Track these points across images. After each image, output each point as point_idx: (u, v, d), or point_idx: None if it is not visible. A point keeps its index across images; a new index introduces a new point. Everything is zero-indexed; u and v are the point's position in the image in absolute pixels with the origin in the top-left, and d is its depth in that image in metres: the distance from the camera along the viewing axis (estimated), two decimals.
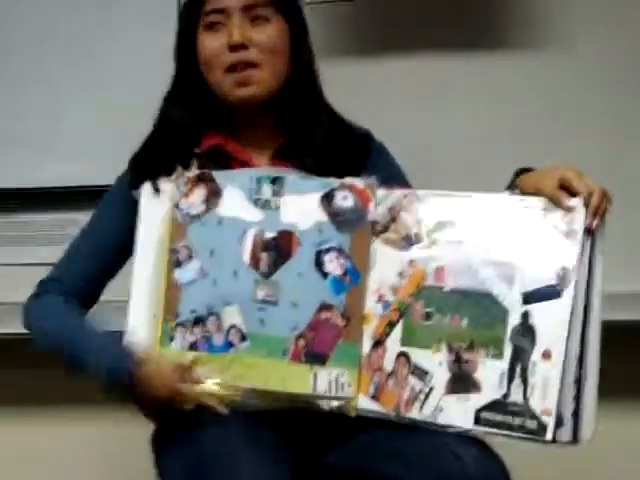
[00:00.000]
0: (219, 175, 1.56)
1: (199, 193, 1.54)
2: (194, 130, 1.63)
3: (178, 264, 1.53)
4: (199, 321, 1.51)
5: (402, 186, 1.60)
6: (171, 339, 1.51)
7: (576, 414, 1.41)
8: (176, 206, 1.54)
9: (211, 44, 1.58)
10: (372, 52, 1.95)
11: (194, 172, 1.56)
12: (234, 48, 1.56)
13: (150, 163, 1.60)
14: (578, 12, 1.93)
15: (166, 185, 1.56)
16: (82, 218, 1.70)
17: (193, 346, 1.51)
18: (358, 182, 1.56)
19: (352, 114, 1.67)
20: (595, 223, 1.42)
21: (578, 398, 1.41)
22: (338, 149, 1.63)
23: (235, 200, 1.54)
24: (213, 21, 1.58)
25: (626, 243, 1.94)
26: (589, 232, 1.42)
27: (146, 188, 1.56)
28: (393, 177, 1.65)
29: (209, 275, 1.52)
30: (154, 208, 1.56)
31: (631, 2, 1.92)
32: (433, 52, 1.95)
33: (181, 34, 1.64)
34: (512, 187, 1.52)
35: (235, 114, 1.63)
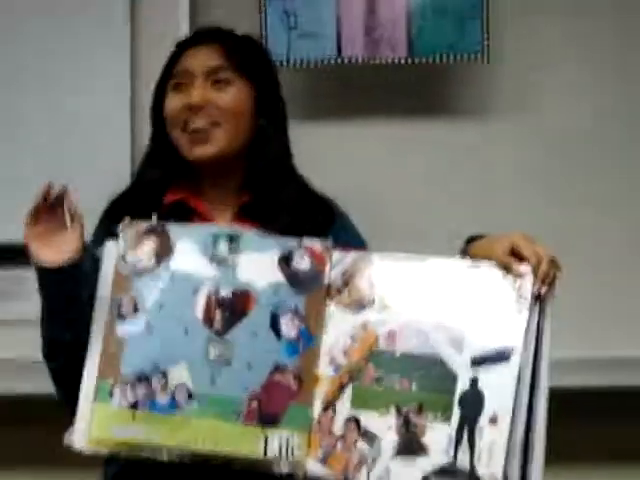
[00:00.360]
0: (173, 228, 1.54)
1: (149, 246, 1.52)
2: (160, 186, 1.66)
3: (121, 318, 1.50)
4: (143, 379, 1.47)
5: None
6: (110, 395, 1.47)
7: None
8: (122, 258, 1.52)
9: (173, 103, 1.64)
10: (331, 117, 1.98)
11: (144, 224, 1.54)
12: (192, 109, 1.61)
13: (115, 217, 1.60)
14: (534, 81, 1.98)
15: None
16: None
17: (134, 405, 1.46)
18: (315, 244, 1.56)
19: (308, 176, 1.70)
20: (544, 290, 1.43)
21: (525, 464, 1.40)
22: (302, 215, 1.65)
23: (189, 255, 1.52)
24: (179, 82, 1.64)
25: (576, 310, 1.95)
26: (538, 298, 1.44)
27: (107, 246, 1.55)
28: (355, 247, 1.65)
29: (156, 331, 1.49)
30: (110, 264, 1.53)
31: (579, 74, 1.98)
32: (391, 118, 1.98)
33: (154, 94, 1.70)
34: (463, 253, 1.54)
35: (201, 171, 1.66)
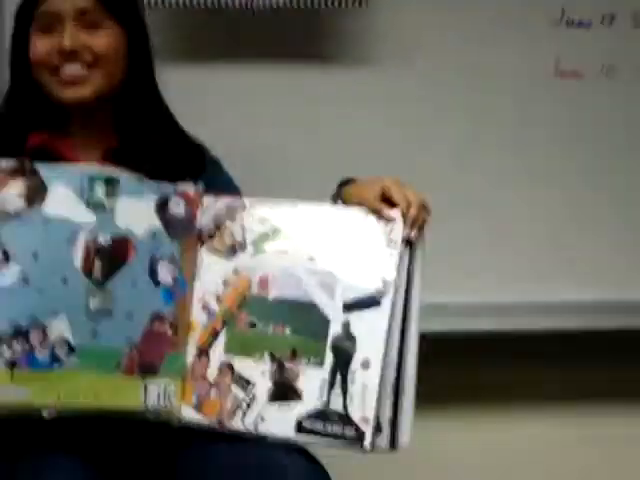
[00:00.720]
0: (44, 168, 1.44)
1: (16, 187, 1.41)
2: (22, 129, 1.60)
3: None
4: (19, 334, 1.37)
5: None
6: None
7: (394, 421, 1.43)
8: None
9: (42, 47, 1.57)
10: (210, 59, 1.94)
11: (9, 162, 1.43)
12: (64, 53, 1.56)
13: None
14: (412, 26, 1.98)
15: None
16: None
17: (12, 363, 1.37)
18: (189, 188, 1.54)
19: (191, 121, 1.67)
20: (413, 234, 1.45)
21: (396, 405, 1.44)
22: (172, 158, 1.62)
23: (64, 198, 1.43)
24: (45, 23, 1.58)
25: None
26: (408, 243, 1.45)
27: None
28: (226, 190, 1.63)
29: (32, 281, 1.39)
30: None
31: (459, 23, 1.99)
32: (271, 63, 1.95)
33: (14, 35, 1.63)
34: (336, 197, 1.54)
35: (68, 113, 1.62)
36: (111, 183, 1.47)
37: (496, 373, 2.18)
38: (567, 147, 2.10)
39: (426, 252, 1.47)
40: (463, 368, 2.14)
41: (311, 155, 1.97)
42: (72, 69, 1.56)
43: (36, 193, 1.42)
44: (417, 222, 1.45)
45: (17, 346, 1.38)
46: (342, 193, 1.54)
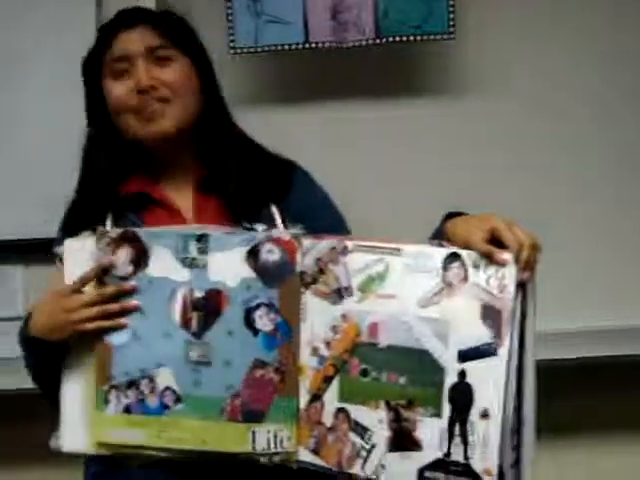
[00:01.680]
0: (144, 233, 1.53)
1: (124, 253, 1.52)
2: (113, 178, 1.63)
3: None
4: (133, 384, 1.51)
5: (331, 233, 1.55)
6: (106, 402, 1.51)
7: (517, 462, 1.42)
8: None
9: (118, 90, 1.60)
10: (295, 101, 1.90)
11: (116, 232, 1.52)
12: (141, 92, 1.58)
13: (76, 217, 1.62)
14: (493, 60, 1.91)
15: (89, 244, 1.52)
16: None
17: (128, 409, 1.51)
18: (284, 234, 1.54)
19: None
20: (526, 276, 1.40)
21: (518, 447, 1.42)
22: (258, 176, 1.64)
23: (163, 259, 1.52)
24: (116, 68, 1.60)
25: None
26: (520, 285, 1.41)
27: (67, 245, 1.54)
28: (319, 205, 1.67)
29: (141, 337, 1.51)
30: (78, 268, 1.52)
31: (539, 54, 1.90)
32: (362, 100, 1.91)
33: (87, 84, 1.64)
34: (440, 235, 1.49)
35: (153, 155, 1.64)
36: (202, 240, 1.52)
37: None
38: None
39: (536, 289, 1.43)
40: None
41: (408, 187, 1.92)
42: (151, 106, 1.58)
43: (140, 256, 1.51)
44: (530, 264, 1.40)
45: (131, 395, 1.52)
46: (446, 230, 1.48)
